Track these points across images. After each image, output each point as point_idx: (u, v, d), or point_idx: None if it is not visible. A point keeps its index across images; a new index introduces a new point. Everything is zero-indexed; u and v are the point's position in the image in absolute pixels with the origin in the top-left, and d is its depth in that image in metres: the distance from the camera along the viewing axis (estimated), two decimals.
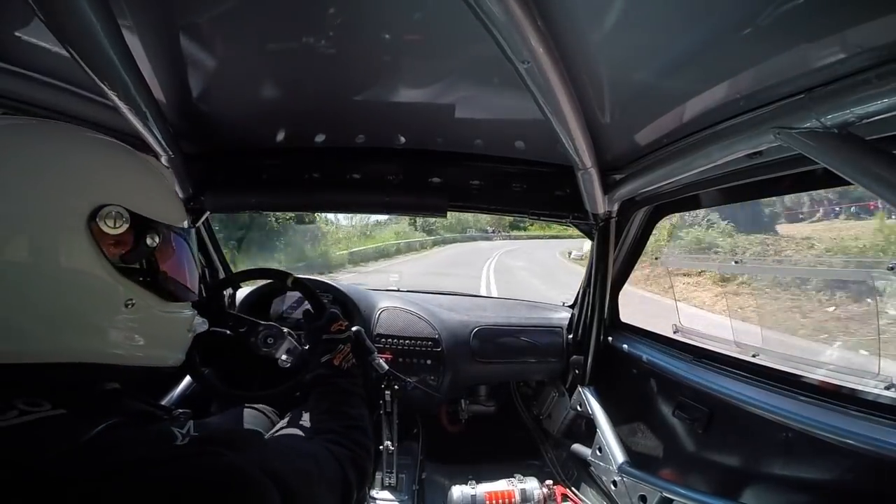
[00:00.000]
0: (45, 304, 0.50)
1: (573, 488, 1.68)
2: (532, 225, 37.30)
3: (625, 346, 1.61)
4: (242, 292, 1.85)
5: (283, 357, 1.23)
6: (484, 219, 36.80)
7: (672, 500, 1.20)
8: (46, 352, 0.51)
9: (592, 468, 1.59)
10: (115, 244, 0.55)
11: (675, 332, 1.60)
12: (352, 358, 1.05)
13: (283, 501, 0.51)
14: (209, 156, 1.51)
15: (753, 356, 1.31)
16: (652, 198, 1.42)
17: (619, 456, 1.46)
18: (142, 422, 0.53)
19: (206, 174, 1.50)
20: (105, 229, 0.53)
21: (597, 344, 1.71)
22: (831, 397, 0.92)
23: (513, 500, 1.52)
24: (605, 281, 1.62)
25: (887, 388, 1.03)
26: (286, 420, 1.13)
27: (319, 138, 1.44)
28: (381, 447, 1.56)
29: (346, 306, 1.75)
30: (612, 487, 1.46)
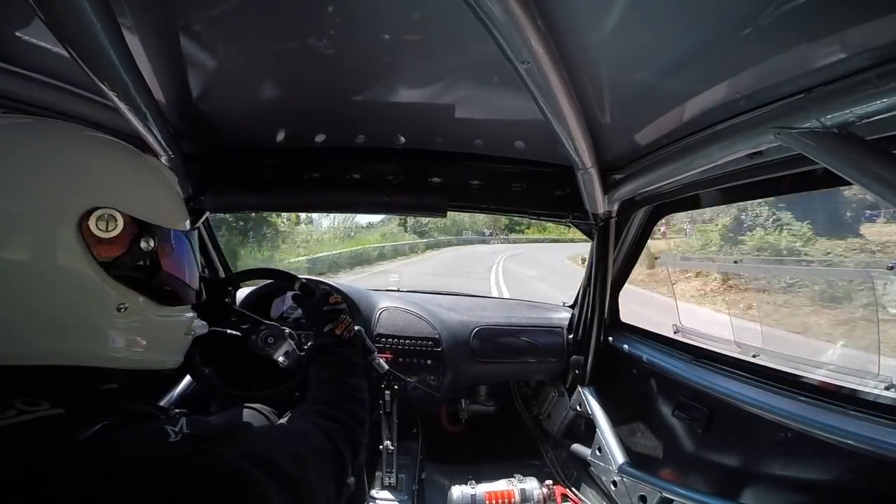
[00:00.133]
0: (39, 306, 0.50)
1: (573, 488, 1.68)
2: (529, 227, 35.90)
3: (625, 346, 1.61)
4: (242, 292, 1.84)
5: (283, 358, 1.23)
6: (481, 220, 35.02)
7: (672, 501, 1.20)
8: (44, 354, 0.51)
9: (592, 468, 1.59)
10: (108, 247, 0.54)
11: (675, 332, 1.61)
12: (353, 328, 1.05)
13: (280, 491, 0.51)
14: (209, 156, 1.51)
15: (753, 356, 1.31)
16: (652, 198, 1.42)
17: (619, 456, 1.46)
18: (139, 421, 0.52)
19: (206, 174, 1.50)
20: (96, 232, 0.52)
21: (597, 344, 1.71)
22: (831, 397, 0.92)
23: (513, 500, 1.52)
24: (605, 281, 1.62)
25: (887, 389, 1.03)
26: (285, 419, 1.13)
27: (319, 138, 1.44)
28: (380, 447, 1.56)
29: (347, 306, 1.75)
30: (612, 487, 1.46)
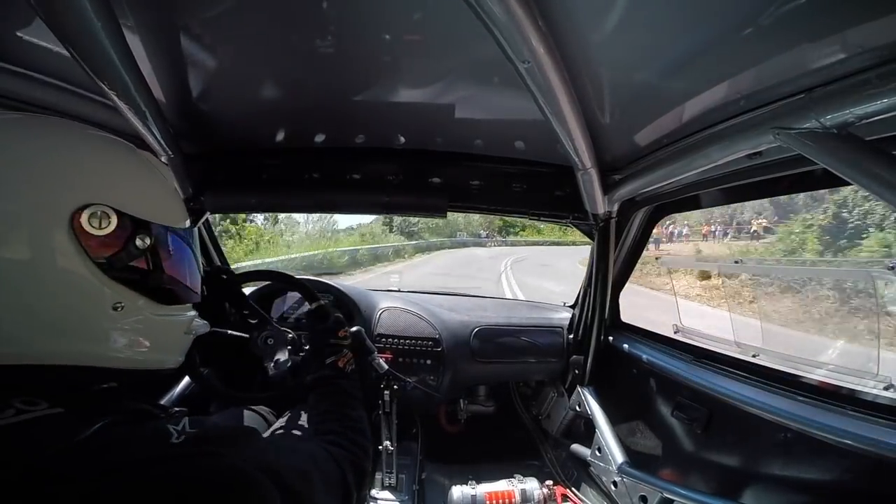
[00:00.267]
0: (34, 304, 0.49)
1: (573, 488, 1.68)
2: (524, 229, 33.94)
3: (625, 345, 1.61)
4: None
5: (272, 366, 1.22)
6: (476, 221, 31.96)
7: (672, 501, 1.20)
8: (42, 354, 0.50)
9: (592, 468, 1.59)
10: (101, 245, 0.53)
11: (675, 332, 1.61)
12: (353, 363, 1.05)
13: (284, 501, 0.50)
14: (209, 156, 1.51)
15: (753, 356, 1.31)
16: (652, 198, 1.42)
17: (619, 456, 1.46)
18: (138, 420, 0.52)
19: (206, 174, 1.50)
20: (89, 229, 0.51)
21: (597, 344, 1.71)
22: (830, 398, 0.92)
23: (513, 500, 1.52)
24: (605, 281, 1.62)
25: (886, 389, 1.03)
26: (284, 419, 1.13)
27: (319, 138, 1.44)
28: (380, 447, 1.56)
29: (347, 306, 1.75)
30: (612, 488, 1.46)
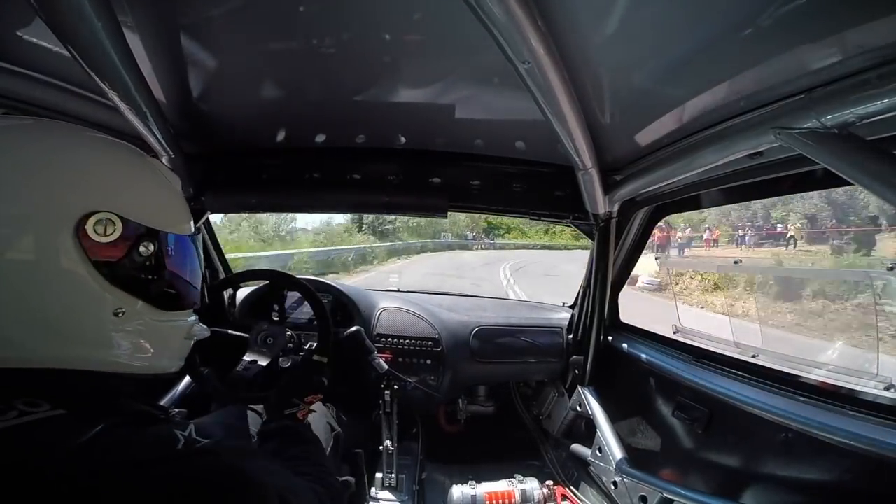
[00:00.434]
0: (36, 308, 0.49)
1: (573, 489, 1.68)
2: (510, 232, 31.43)
3: (624, 346, 1.61)
4: (242, 292, 1.84)
5: (281, 359, 1.23)
6: (462, 221, 27.25)
7: (672, 501, 1.20)
8: (46, 358, 0.50)
9: (592, 468, 1.59)
10: (105, 252, 0.52)
11: (674, 333, 1.61)
12: (308, 413, 1.06)
13: None
14: (209, 156, 1.51)
15: (753, 356, 1.32)
16: (652, 198, 1.42)
17: (619, 456, 1.46)
18: (140, 422, 0.52)
19: (206, 174, 1.50)
20: (93, 236, 0.51)
21: (597, 344, 1.71)
22: (830, 398, 0.92)
23: (513, 500, 1.52)
24: (605, 281, 1.62)
25: (886, 389, 1.03)
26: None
27: (320, 138, 1.44)
28: (380, 447, 1.56)
29: (347, 306, 1.75)
30: (613, 488, 1.46)
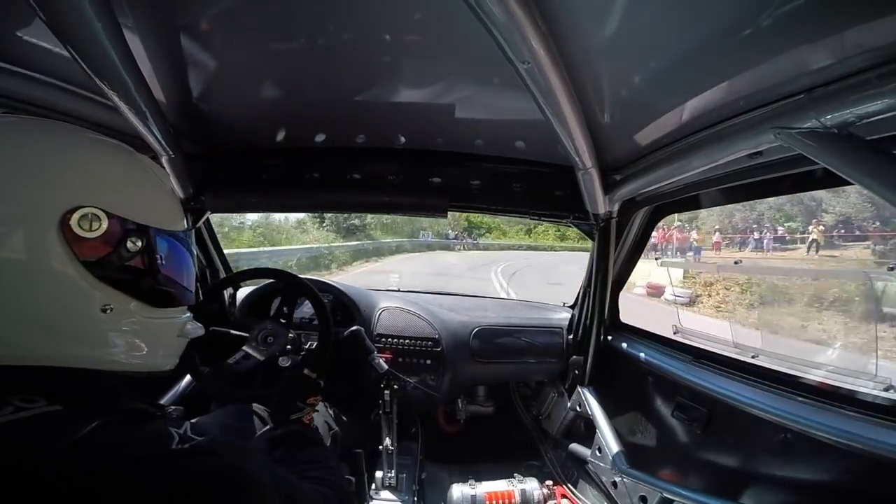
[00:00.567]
0: (24, 305, 0.49)
1: (573, 488, 1.68)
2: (491, 231, 29.90)
3: (624, 346, 1.61)
4: (242, 292, 1.85)
5: (282, 359, 1.23)
6: (444, 220, 19.86)
7: (672, 501, 1.20)
8: (40, 356, 0.50)
9: (592, 468, 1.59)
10: (91, 247, 0.52)
11: (674, 333, 1.61)
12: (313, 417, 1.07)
13: None
14: (209, 156, 1.51)
15: (753, 357, 1.32)
16: (652, 198, 1.42)
17: (619, 456, 1.46)
18: (136, 419, 0.52)
19: (206, 174, 1.50)
20: (78, 232, 0.51)
21: (597, 344, 1.71)
22: (829, 398, 0.92)
23: (513, 500, 1.52)
24: (605, 281, 1.62)
25: (885, 390, 1.03)
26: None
27: (320, 138, 1.44)
28: (380, 447, 1.56)
29: (347, 306, 1.75)
30: (612, 488, 1.46)
